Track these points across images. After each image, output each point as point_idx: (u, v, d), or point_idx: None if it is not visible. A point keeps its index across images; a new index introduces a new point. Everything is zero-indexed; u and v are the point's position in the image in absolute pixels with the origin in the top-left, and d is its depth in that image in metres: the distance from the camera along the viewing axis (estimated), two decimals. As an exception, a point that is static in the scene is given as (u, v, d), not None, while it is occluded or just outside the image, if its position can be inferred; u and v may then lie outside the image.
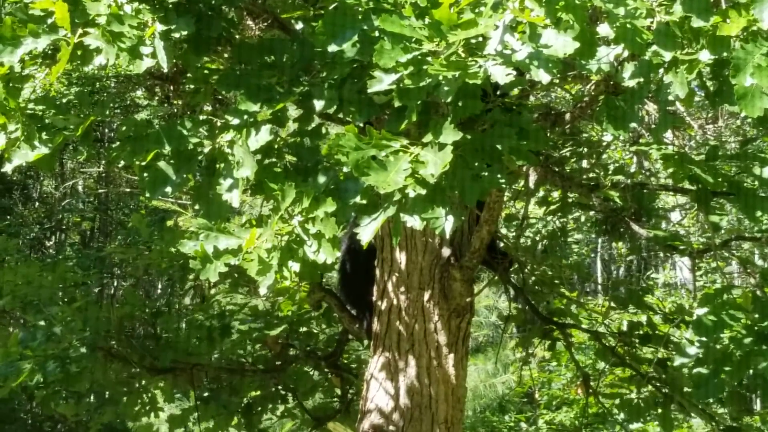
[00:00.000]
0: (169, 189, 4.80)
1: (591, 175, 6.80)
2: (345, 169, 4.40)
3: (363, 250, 6.80)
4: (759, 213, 4.95)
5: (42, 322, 7.27)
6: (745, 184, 5.09)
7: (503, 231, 8.81)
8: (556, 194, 7.62)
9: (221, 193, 4.77)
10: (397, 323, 6.39)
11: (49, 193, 27.75)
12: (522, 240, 8.49)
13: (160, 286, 25.98)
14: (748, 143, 6.39)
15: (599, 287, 21.91)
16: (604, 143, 6.53)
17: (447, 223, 4.44)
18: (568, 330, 7.73)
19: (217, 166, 4.84)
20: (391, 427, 6.32)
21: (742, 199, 5.04)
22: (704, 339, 4.97)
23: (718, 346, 4.95)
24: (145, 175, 4.83)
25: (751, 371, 4.89)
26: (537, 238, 8.55)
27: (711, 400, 6.61)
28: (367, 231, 4.48)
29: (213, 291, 8.59)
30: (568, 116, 5.53)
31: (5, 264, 7.76)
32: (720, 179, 5.13)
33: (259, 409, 8.26)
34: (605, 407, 7.94)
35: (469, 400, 16.24)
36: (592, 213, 8.06)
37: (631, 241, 7.58)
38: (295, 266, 4.59)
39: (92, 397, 7.56)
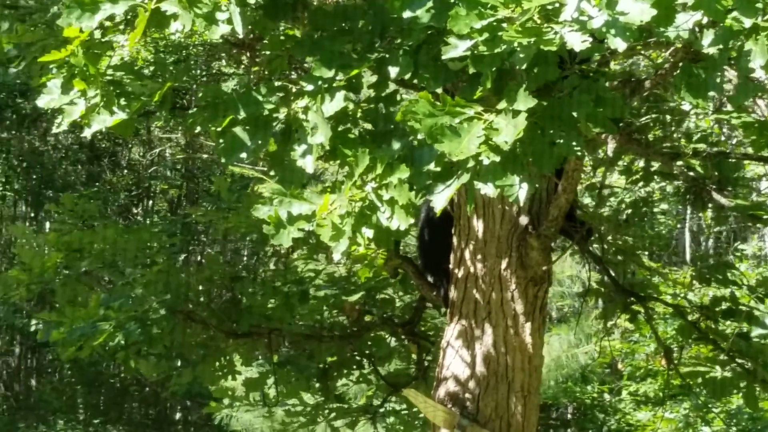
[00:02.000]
0: (244, 155, 4.84)
1: (672, 143, 6.70)
2: (419, 136, 4.40)
3: (441, 218, 6.84)
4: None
5: (122, 284, 7.37)
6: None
7: (586, 200, 8.75)
8: (641, 163, 7.54)
9: (296, 159, 4.79)
10: (473, 291, 6.37)
11: (137, 161, 28.08)
12: (603, 209, 8.42)
13: (246, 253, 26.21)
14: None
15: (687, 258, 21.71)
16: (687, 111, 6.42)
17: (521, 191, 4.42)
18: (649, 303, 7.64)
19: (292, 132, 4.86)
20: (467, 395, 6.32)
21: (824, 168, 4.96)
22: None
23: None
24: (221, 141, 4.88)
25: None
26: (619, 208, 8.44)
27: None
28: (440, 198, 4.48)
29: (294, 256, 8.63)
30: (647, 84, 5.45)
31: (87, 227, 7.85)
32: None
33: (335, 374, 8.30)
34: (687, 383, 7.85)
35: (551, 370, 16.19)
36: (676, 183, 7.97)
37: (714, 211, 7.47)
38: (368, 232, 4.60)
39: (172, 359, 7.63)
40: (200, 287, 7.83)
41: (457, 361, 6.39)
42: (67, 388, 22.23)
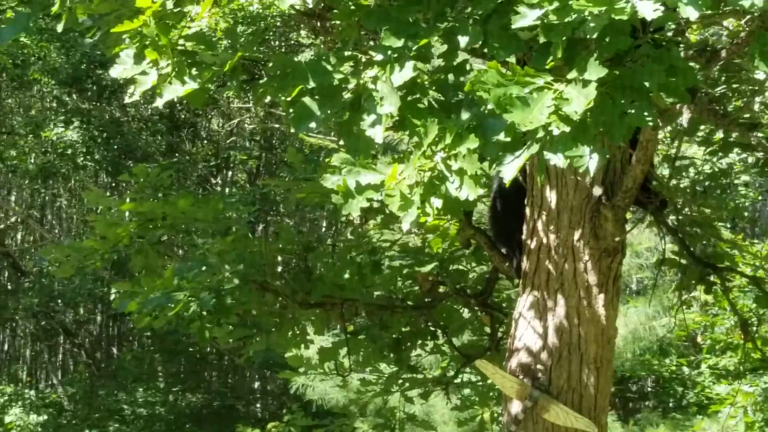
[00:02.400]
0: (313, 124, 4.85)
1: (751, 114, 6.59)
2: (488, 106, 4.37)
3: (513, 188, 6.80)
4: None
5: (197, 254, 7.43)
6: None
7: (664, 172, 8.65)
8: (720, 134, 7.43)
9: (365, 129, 4.79)
10: (546, 262, 6.33)
11: (216, 132, 28.32)
12: (681, 181, 8.32)
13: (324, 224, 26.36)
14: None
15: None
16: (763, 81, 6.30)
17: (591, 161, 4.37)
18: (725, 274, 7.54)
19: (362, 102, 4.86)
20: (539, 366, 6.30)
21: None
22: None
23: None
24: (291, 110, 4.89)
25: None
26: (697, 179, 8.33)
27: None
28: (509, 169, 4.45)
29: (368, 226, 8.64)
30: (723, 53, 5.36)
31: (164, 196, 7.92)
32: None
33: (409, 344, 8.31)
34: (763, 355, 7.75)
35: (628, 343, 16.07)
36: (756, 154, 7.85)
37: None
38: (437, 202, 4.59)
39: (246, 328, 7.68)
40: (274, 257, 7.87)
41: (529, 332, 6.36)
42: (147, 356, 22.54)
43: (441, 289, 8.07)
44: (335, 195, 4.69)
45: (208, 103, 23.41)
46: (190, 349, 23.26)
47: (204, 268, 7.16)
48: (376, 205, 5.04)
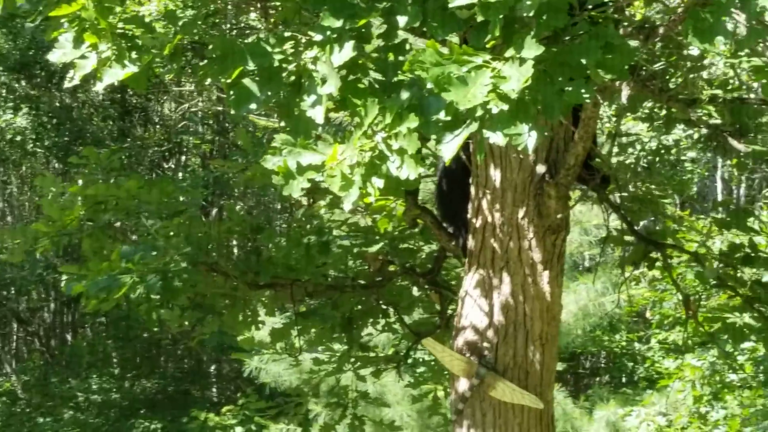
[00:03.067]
0: (254, 106, 4.85)
1: (689, 90, 6.65)
2: (428, 85, 4.39)
3: (458, 167, 6.84)
4: None
5: (145, 237, 7.41)
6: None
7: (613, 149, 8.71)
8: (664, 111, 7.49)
9: (306, 110, 4.80)
10: (491, 240, 6.38)
11: (168, 116, 28.18)
12: (625, 157, 8.39)
13: (279, 205, 26.31)
14: None
15: (713, 206, 21.58)
16: (699, 57, 6.37)
17: (530, 139, 4.41)
18: (668, 251, 7.61)
19: (302, 82, 4.87)
20: (485, 344, 6.35)
21: (836, 112, 4.91)
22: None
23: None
24: (231, 92, 4.89)
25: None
26: (641, 155, 8.40)
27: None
28: (449, 147, 4.47)
29: (318, 206, 8.64)
30: (661, 30, 5.40)
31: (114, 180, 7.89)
32: (812, 91, 4.98)
33: (360, 323, 8.35)
34: (706, 330, 7.84)
35: (578, 319, 16.20)
36: (697, 130, 7.91)
37: (735, 158, 7.43)
38: (378, 182, 4.60)
39: (196, 310, 7.67)
40: (223, 239, 7.87)
41: (475, 310, 6.41)
42: (101, 343, 22.45)
43: (391, 268, 8.10)
44: (276, 176, 4.70)
45: (151, 87, 23.27)
46: (145, 335, 23.19)
47: (151, 250, 7.13)
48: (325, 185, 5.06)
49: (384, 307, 8.38)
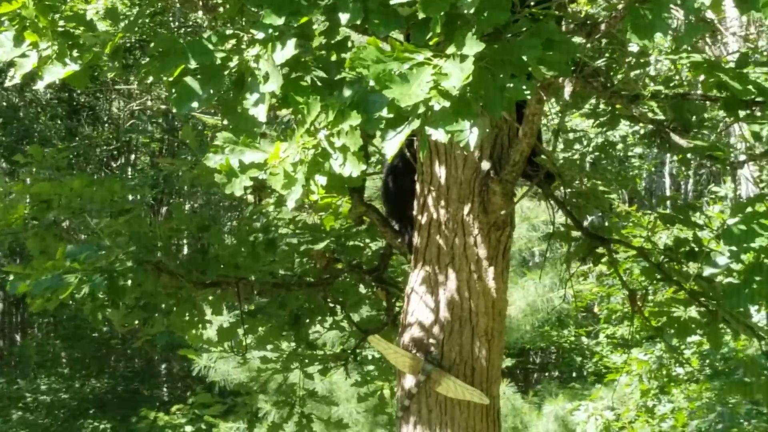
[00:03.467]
0: (196, 104, 4.84)
1: (632, 86, 6.69)
2: (370, 83, 4.40)
3: (404, 165, 6.86)
4: (788, 121, 4.87)
5: (90, 236, 7.35)
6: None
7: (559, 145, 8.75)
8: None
9: (248, 108, 4.79)
10: (437, 237, 6.40)
11: (117, 115, 28.02)
12: (571, 154, 8.44)
13: (228, 203, 26.22)
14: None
15: (667, 202, 21.74)
16: (642, 54, 6.41)
17: (472, 135, 4.43)
18: (613, 246, 7.66)
19: (245, 80, 4.86)
20: (431, 340, 6.36)
21: (773, 106, 4.96)
22: (734, 249, 4.92)
23: (748, 256, 4.89)
24: (174, 91, 4.88)
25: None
26: (587, 151, 8.46)
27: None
28: (391, 145, 4.48)
29: (264, 204, 8.62)
30: (603, 26, 5.44)
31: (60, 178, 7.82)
32: (750, 86, 5.02)
33: (307, 321, 8.34)
34: (653, 325, 7.90)
35: (527, 315, 16.29)
36: (641, 126, 7.96)
37: (679, 153, 7.48)
38: (321, 180, 4.60)
39: (141, 310, 7.62)
40: (169, 237, 7.82)
41: (421, 306, 6.42)
42: (49, 342, 22.28)
43: (337, 266, 8.10)
44: (219, 174, 4.68)
45: (99, 85, 23.15)
46: (94, 335, 23.05)
47: (97, 249, 7.08)
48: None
49: (331, 305, 8.37)
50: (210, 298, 7.89)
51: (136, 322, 7.89)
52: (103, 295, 6.96)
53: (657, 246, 7.79)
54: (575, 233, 7.62)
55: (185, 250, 8.29)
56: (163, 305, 7.73)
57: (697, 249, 7.21)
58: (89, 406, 20.97)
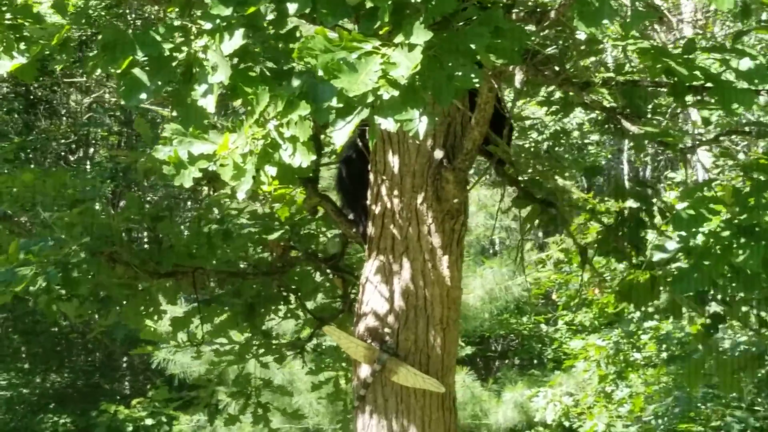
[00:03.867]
0: (144, 96, 4.81)
1: (582, 73, 6.72)
2: (319, 72, 4.39)
3: (358, 155, 6.85)
4: (735, 105, 4.89)
5: (42, 228, 7.30)
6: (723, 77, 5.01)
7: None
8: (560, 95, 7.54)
9: (197, 99, 4.77)
10: (391, 227, 6.40)
11: (74, 109, 27.82)
12: (525, 141, 8.47)
13: (185, 194, 26.09)
14: (740, 37, 6.29)
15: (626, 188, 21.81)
16: (592, 41, 6.43)
17: (421, 124, 4.43)
18: (565, 206, 7.59)
19: (193, 71, 4.83)
20: (386, 330, 6.36)
21: (719, 91, 4.97)
22: (683, 234, 4.95)
23: (697, 241, 4.92)
24: (122, 82, 4.84)
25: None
26: (540, 139, 8.48)
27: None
28: (340, 134, 4.47)
29: (221, 193, 8.58)
30: (552, 14, 5.46)
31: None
32: (696, 72, 5.05)
33: (262, 310, 8.32)
34: (605, 280, 7.86)
35: (485, 303, 16.33)
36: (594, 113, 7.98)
37: (630, 140, 7.51)
38: (271, 170, 4.59)
39: (95, 302, 7.56)
40: (123, 228, 7.76)
41: (376, 296, 6.43)
42: (8, 337, 22.12)
43: (293, 254, 8.08)
44: (167, 166, 4.66)
45: (56, 78, 22.99)
46: (53, 329, 22.91)
47: (50, 241, 7.03)
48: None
49: (285, 293, 8.36)
50: (165, 287, 7.84)
51: (90, 313, 7.84)
52: (57, 287, 6.91)
53: (608, 209, 7.81)
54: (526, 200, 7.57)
55: (145, 242, 8.22)
56: (118, 296, 7.66)
57: (646, 219, 7.21)
58: (49, 400, 20.85)
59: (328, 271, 8.17)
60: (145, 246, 7.81)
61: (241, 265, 8.13)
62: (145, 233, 9.28)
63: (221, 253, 7.75)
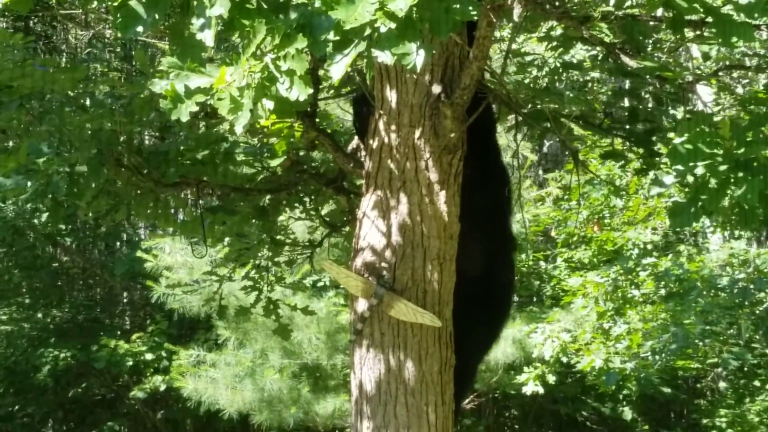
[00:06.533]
0: (141, 28, 4.78)
1: (582, 7, 6.68)
2: (316, 4, 4.37)
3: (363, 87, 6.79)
4: (735, 39, 4.86)
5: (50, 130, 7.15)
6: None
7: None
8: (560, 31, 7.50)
9: (195, 33, 4.74)
10: (388, 162, 6.40)
11: (74, 44, 27.69)
12: (524, 77, 8.42)
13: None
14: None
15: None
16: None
17: (418, 58, 4.42)
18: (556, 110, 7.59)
19: (191, 4, 4.80)
20: (383, 264, 6.38)
21: (719, 24, 4.94)
22: (680, 168, 4.95)
23: (695, 174, 4.92)
24: (118, 15, 4.81)
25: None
26: (540, 75, 8.43)
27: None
28: (338, 68, 4.46)
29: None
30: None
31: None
32: (695, 4, 5.02)
33: (275, 211, 8.25)
34: (594, 174, 7.81)
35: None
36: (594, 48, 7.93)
37: (630, 76, 7.48)
38: (268, 104, 4.58)
39: (106, 198, 7.43)
40: (131, 133, 7.62)
41: (373, 231, 6.44)
42: (8, 272, 22.13)
43: (301, 168, 7.99)
44: (164, 100, 4.64)
45: (55, 12, 22.86)
46: (54, 264, 22.96)
47: (58, 147, 6.92)
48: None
49: (301, 195, 8.31)
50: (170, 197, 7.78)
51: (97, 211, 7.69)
52: (63, 197, 6.86)
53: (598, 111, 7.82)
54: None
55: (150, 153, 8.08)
56: (126, 195, 7.55)
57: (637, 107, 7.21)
58: (50, 335, 20.92)
59: (332, 190, 8.08)
60: (151, 153, 7.63)
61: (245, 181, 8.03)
62: (153, 140, 9.18)
63: (224, 171, 7.63)
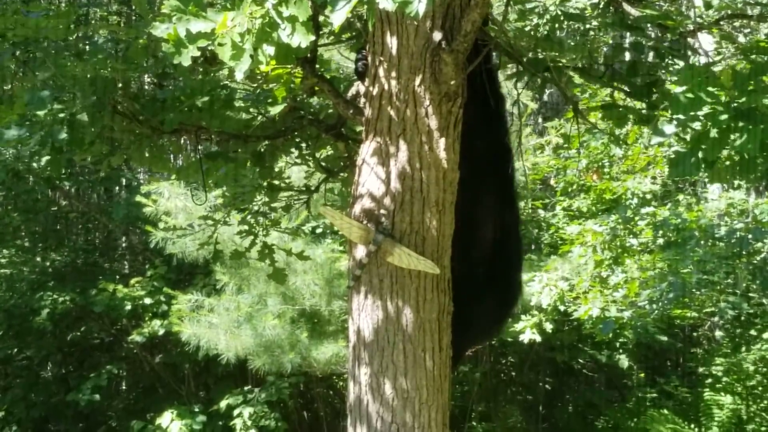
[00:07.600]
0: (141, -29, 4.78)
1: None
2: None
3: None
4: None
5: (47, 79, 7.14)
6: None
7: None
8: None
9: (196, -23, 4.73)
10: (388, 109, 6.39)
11: (69, -7, 27.54)
12: (524, 25, 8.40)
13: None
14: None
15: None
16: None
17: (420, 4, 4.42)
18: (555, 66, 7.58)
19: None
20: (382, 211, 6.39)
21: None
22: (681, 117, 4.95)
23: (695, 125, 4.92)
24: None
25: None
26: (540, 22, 8.41)
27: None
28: (339, 14, 4.46)
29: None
30: None
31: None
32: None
33: (271, 157, 8.26)
34: (593, 125, 7.83)
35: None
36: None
37: (634, 29, 7.46)
38: (269, 50, 4.58)
39: (104, 143, 7.44)
40: (129, 79, 7.62)
41: (372, 178, 6.45)
42: (7, 215, 22.15)
43: (299, 114, 8.00)
44: (166, 44, 4.64)
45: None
46: (53, 209, 22.98)
47: (56, 95, 6.92)
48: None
49: (297, 140, 8.32)
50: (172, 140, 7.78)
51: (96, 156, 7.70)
52: (63, 145, 6.86)
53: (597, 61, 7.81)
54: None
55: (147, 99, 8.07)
56: (124, 141, 7.56)
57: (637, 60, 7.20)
58: (49, 278, 20.97)
59: (331, 136, 8.10)
60: (148, 100, 7.62)
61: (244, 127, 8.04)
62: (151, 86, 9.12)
63: (222, 117, 7.63)
